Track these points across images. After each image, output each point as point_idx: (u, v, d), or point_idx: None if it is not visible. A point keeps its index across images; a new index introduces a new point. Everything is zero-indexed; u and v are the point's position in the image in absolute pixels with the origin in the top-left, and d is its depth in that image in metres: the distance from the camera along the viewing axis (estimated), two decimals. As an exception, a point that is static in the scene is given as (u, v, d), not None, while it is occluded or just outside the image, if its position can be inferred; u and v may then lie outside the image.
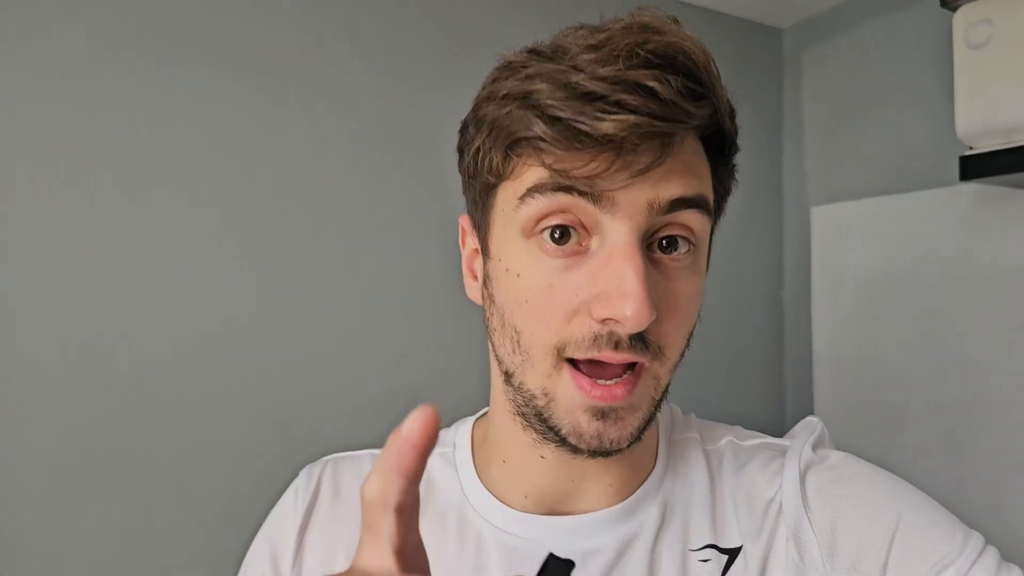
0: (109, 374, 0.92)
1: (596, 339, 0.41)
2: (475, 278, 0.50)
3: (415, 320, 1.14)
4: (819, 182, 1.52)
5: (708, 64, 0.42)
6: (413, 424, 0.27)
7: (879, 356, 1.34)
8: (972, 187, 1.18)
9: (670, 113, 0.39)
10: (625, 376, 0.42)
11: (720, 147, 0.46)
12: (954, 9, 1.04)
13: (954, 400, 1.22)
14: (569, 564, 0.29)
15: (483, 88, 0.46)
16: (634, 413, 0.43)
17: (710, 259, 0.51)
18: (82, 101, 0.92)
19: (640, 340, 0.42)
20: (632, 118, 0.38)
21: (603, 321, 0.41)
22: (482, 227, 0.48)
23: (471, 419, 0.57)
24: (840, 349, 1.41)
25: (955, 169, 1.12)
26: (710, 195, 0.45)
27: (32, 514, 0.87)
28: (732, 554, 0.47)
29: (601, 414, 0.42)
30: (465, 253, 0.51)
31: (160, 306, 0.95)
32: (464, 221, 0.51)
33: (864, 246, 1.37)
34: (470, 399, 0.59)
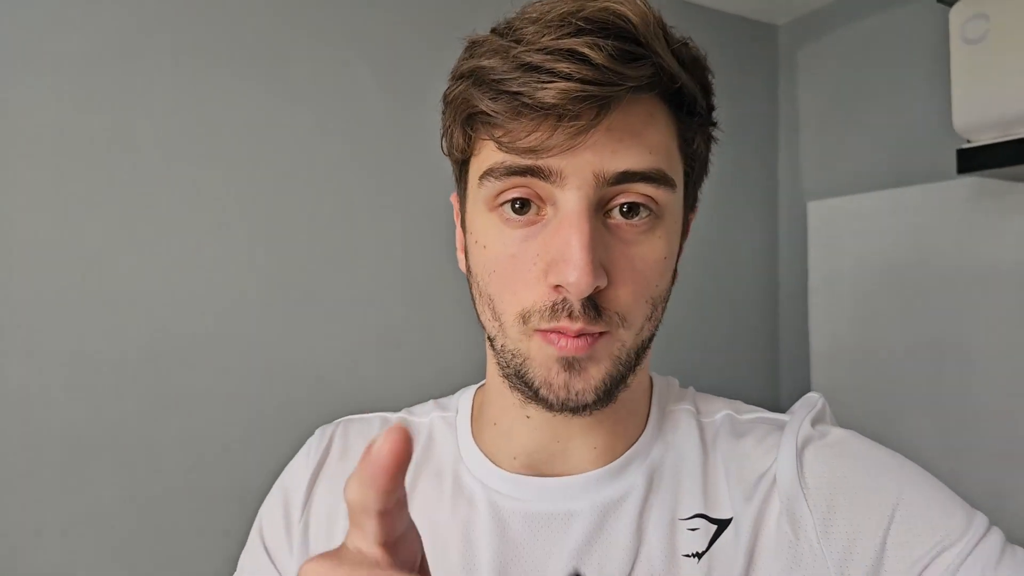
0: (125, 359, 0.95)
1: (554, 307, 0.43)
2: (463, 252, 0.52)
3: (419, 305, 1.16)
4: (815, 176, 1.53)
5: (645, 24, 0.42)
6: (381, 447, 0.27)
7: (876, 350, 1.34)
8: (969, 181, 1.19)
9: (603, 77, 0.40)
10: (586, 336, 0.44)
11: (680, 104, 0.46)
12: (950, 4, 1.05)
13: (951, 393, 1.23)
14: None
15: (453, 70, 0.48)
16: (596, 365, 0.44)
17: (688, 226, 0.52)
18: (96, 95, 0.94)
19: (593, 308, 0.43)
20: (567, 84, 0.40)
21: (556, 288, 0.43)
22: (461, 203, 0.51)
23: (474, 387, 0.59)
24: (836, 343, 1.42)
25: (952, 163, 1.12)
26: (669, 165, 0.45)
27: (51, 491, 0.90)
28: (722, 525, 0.47)
29: (568, 364, 0.44)
30: (458, 229, 0.53)
31: (171, 294, 0.98)
32: (453, 199, 0.54)
33: (860, 240, 1.37)
34: (474, 381, 0.61)
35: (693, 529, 0.47)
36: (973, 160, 1.02)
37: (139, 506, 0.95)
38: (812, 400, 0.53)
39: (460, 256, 0.53)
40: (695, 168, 0.50)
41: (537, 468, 0.51)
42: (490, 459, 0.52)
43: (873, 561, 0.43)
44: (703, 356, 1.48)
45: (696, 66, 0.46)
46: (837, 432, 0.50)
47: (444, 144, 0.50)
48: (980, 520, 0.44)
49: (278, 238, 1.06)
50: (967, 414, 1.20)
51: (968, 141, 1.04)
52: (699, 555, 0.46)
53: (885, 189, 1.35)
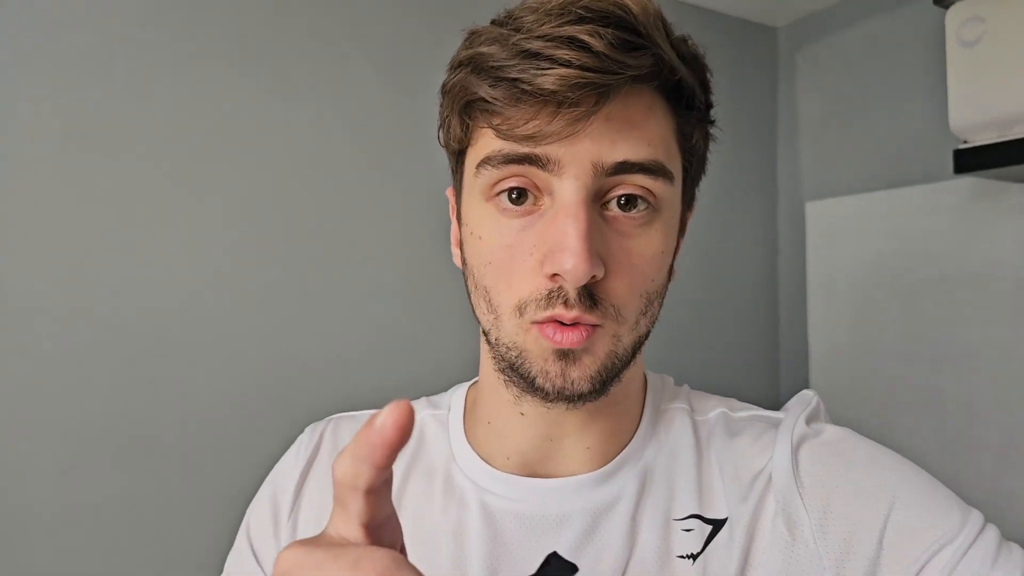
0: (121, 353, 0.95)
1: (550, 296, 0.43)
2: (458, 246, 0.52)
3: (414, 302, 1.17)
4: (814, 177, 1.54)
5: (646, 15, 0.42)
6: (386, 419, 0.27)
7: (874, 350, 1.35)
8: (966, 182, 1.20)
9: (603, 65, 0.40)
10: (581, 325, 0.44)
11: (679, 99, 0.46)
12: (947, 7, 1.06)
13: (948, 393, 1.23)
14: (572, 568, 0.29)
15: (452, 60, 0.47)
16: (591, 357, 0.44)
17: (685, 224, 0.51)
18: (94, 90, 0.94)
19: (589, 298, 0.43)
20: (566, 71, 0.39)
21: (552, 278, 0.42)
22: (457, 195, 0.50)
23: (466, 384, 0.59)
24: (835, 343, 1.43)
25: (949, 164, 1.13)
26: (667, 158, 0.45)
27: (46, 486, 0.91)
28: (717, 525, 0.47)
29: (563, 355, 0.44)
30: (453, 223, 0.53)
31: (170, 288, 0.99)
32: (449, 194, 0.53)
33: (858, 241, 1.38)
34: (468, 378, 0.61)
35: (688, 530, 0.47)
36: (969, 161, 1.03)
37: (132, 504, 0.95)
38: (807, 398, 0.53)
39: (455, 251, 0.52)
40: (693, 164, 0.49)
41: (530, 468, 0.50)
42: (483, 458, 0.51)
43: (870, 560, 0.43)
44: (702, 357, 1.49)
45: (695, 62, 0.47)
46: (832, 430, 0.50)
47: (441, 134, 0.50)
48: (976, 517, 0.44)
49: (274, 235, 1.06)
50: (965, 413, 1.21)
51: (964, 142, 1.05)
52: (694, 556, 0.46)
53: (883, 190, 1.36)
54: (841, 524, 0.44)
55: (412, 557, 0.41)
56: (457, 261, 0.52)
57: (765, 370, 1.59)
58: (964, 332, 1.22)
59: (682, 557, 0.46)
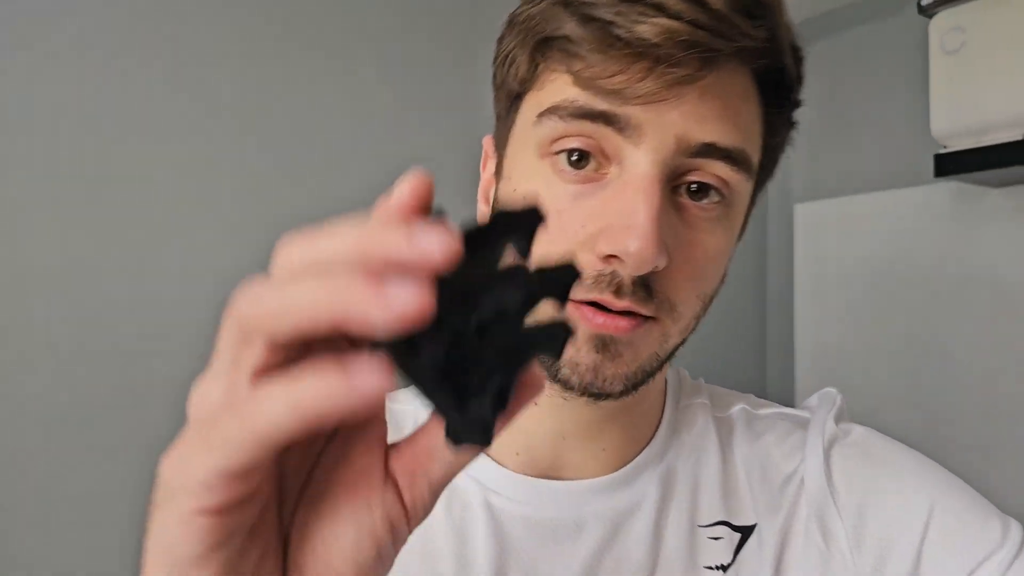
0: (112, 336, 0.95)
1: (598, 279, 0.37)
2: (487, 203, 0.47)
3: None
4: (803, 179, 1.57)
5: None
6: (402, 187, 0.22)
7: (860, 349, 1.39)
8: (949, 186, 1.23)
9: (717, 25, 0.34)
10: (630, 316, 0.38)
11: (776, 89, 0.41)
12: (930, 16, 1.10)
13: (931, 392, 1.26)
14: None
15: None
16: (633, 354, 0.39)
17: (747, 224, 0.47)
18: (93, 85, 0.95)
19: (644, 288, 0.37)
20: (674, 23, 0.34)
21: (606, 259, 0.37)
22: (501, 144, 0.44)
23: None
24: (821, 343, 1.46)
25: (931, 168, 1.17)
26: (752, 151, 0.40)
27: (33, 471, 0.90)
28: (746, 532, 0.44)
29: (602, 344, 0.38)
30: (484, 177, 0.47)
31: (164, 280, 0.99)
32: (487, 143, 0.47)
33: (846, 242, 1.42)
34: None
35: (716, 538, 0.44)
36: (949, 165, 1.07)
37: (123, 498, 0.92)
38: (832, 396, 0.50)
39: (481, 207, 0.47)
40: (768, 164, 0.45)
41: (541, 469, 0.45)
42: (489, 455, 0.46)
43: (908, 571, 0.41)
44: (689, 356, 1.49)
45: (797, 54, 0.42)
46: (858, 430, 0.48)
47: (499, 72, 0.43)
48: (1016, 529, 0.41)
49: (280, 225, 1.07)
50: (947, 412, 1.24)
51: (944, 147, 1.09)
52: (724, 567, 0.43)
53: (869, 192, 1.40)
54: (877, 531, 0.42)
55: (413, 557, 0.40)
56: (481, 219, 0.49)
57: (752, 371, 1.62)
58: (946, 332, 1.25)
59: (710, 568, 0.43)
